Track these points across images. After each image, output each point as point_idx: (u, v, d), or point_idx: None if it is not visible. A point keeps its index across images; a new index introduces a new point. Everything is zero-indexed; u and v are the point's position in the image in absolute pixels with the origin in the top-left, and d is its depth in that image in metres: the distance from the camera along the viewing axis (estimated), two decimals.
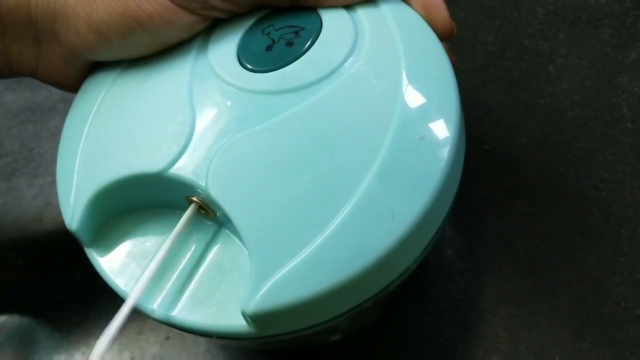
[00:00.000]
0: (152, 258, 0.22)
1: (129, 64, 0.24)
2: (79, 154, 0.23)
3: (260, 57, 0.23)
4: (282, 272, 0.19)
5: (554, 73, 0.36)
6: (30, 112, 0.40)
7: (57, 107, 0.40)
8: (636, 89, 0.35)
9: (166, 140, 0.22)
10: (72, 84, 0.26)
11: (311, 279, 0.19)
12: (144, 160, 0.22)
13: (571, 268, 0.30)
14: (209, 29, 0.24)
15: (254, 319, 0.19)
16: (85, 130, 0.23)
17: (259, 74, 0.22)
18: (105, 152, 0.22)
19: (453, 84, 0.22)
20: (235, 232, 0.21)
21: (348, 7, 0.24)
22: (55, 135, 0.38)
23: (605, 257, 0.30)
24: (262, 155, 0.21)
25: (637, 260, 0.30)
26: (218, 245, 0.23)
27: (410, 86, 0.21)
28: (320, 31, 0.23)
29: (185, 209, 0.22)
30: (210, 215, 0.22)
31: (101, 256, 0.23)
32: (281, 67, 0.22)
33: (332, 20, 0.23)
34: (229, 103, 0.22)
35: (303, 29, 0.23)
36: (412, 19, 0.24)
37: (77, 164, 0.23)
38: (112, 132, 0.23)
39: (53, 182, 0.28)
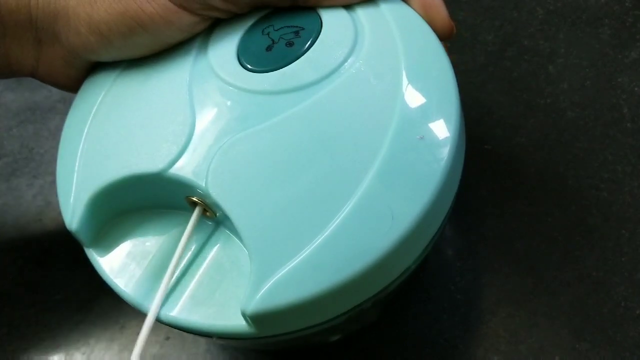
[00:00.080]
0: (164, 266, 0.22)
1: (129, 64, 0.24)
2: (79, 154, 0.23)
3: (260, 57, 0.23)
4: (282, 272, 0.19)
5: (554, 73, 0.36)
6: (30, 112, 0.40)
7: (57, 107, 0.40)
8: (636, 89, 0.35)
9: (166, 140, 0.22)
10: (73, 84, 0.26)
11: (311, 279, 0.19)
12: (144, 160, 0.22)
13: (571, 268, 0.30)
14: (209, 29, 0.24)
15: (254, 319, 0.19)
16: (85, 130, 0.23)
17: (259, 74, 0.22)
18: (105, 152, 0.22)
19: (453, 84, 0.22)
20: (235, 232, 0.21)
21: (348, 7, 0.24)
22: (55, 135, 0.38)
23: (605, 257, 0.30)
24: (262, 156, 0.21)
25: (637, 260, 0.30)
26: (218, 245, 0.23)
27: (410, 86, 0.21)
28: (320, 31, 0.23)
29: (185, 209, 0.22)
30: (210, 216, 0.22)
31: (101, 256, 0.23)
32: (281, 67, 0.22)
33: (332, 20, 0.23)
34: (229, 103, 0.22)
35: (303, 29, 0.23)
36: (412, 18, 0.24)
37: (77, 164, 0.23)
38: (112, 132, 0.23)
39: (53, 182, 0.28)
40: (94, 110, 0.24)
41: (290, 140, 0.21)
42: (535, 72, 0.37)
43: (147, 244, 0.23)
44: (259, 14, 0.24)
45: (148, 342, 0.30)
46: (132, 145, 0.22)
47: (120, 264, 0.22)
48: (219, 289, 0.21)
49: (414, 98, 0.21)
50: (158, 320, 0.21)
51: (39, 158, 0.38)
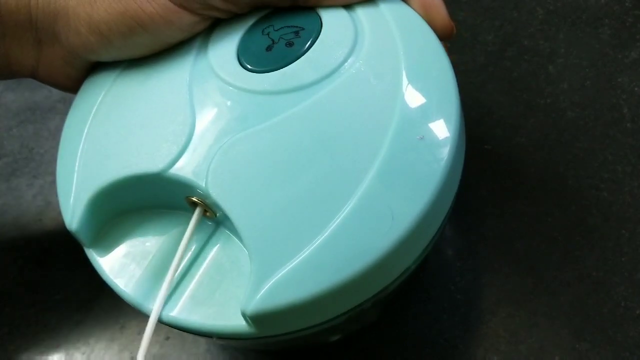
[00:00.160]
0: (164, 266, 0.22)
1: (129, 64, 0.24)
2: (79, 154, 0.23)
3: (260, 57, 0.23)
4: (282, 272, 0.19)
5: (554, 73, 0.36)
6: (30, 112, 0.40)
7: (57, 107, 0.40)
8: (636, 89, 0.35)
9: (166, 140, 0.22)
10: (73, 85, 0.26)
11: (311, 279, 0.19)
12: (144, 160, 0.22)
13: (571, 268, 0.30)
14: (209, 29, 0.24)
15: (254, 319, 0.19)
16: (85, 130, 0.23)
17: (259, 74, 0.22)
18: (105, 152, 0.22)
19: (453, 84, 0.22)
20: (235, 232, 0.21)
21: (348, 7, 0.24)
22: (55, 135, 0.38)
23: (605, 257, 0.30)
24: (262, 156, 0.21)
25: (637, 260, 0.30)
26: (218, 245, 0.23)
27: (410, 86, 0.21)
28: (320, 31, 0.23)
29: (185, 209, 0.22)
30: (210, 216, 0.22)
31: (101, 256, 0.23)
32: (281, 67, 0.22)
33: (332, 20, 0.23)
34: (229, 103, 0.22)
35: (303, 29, 0.23)
36: (412, 18, 0.24)
37: (77, 164, 0.23)
38: (112, 132, 0.23)
39: (53, 182, 0.28)
40: (94, 110, 0.24)
41: (290, 140, 0.21)
42: (535, 72, 0.37)
43: (147, 244, 0.23)
44: (259, 14, 0.24)
45: (149, 342, 0.30)
46: (132, 145, 0.22)
47: (120, 264, 0.22)
48: (219, 289, 0.21)
49: (414, 98, 0.21)
50: (158, 321, 0.21)
51: (39, 158, 0.38)
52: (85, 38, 0.23)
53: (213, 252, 0.22)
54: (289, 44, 0.23)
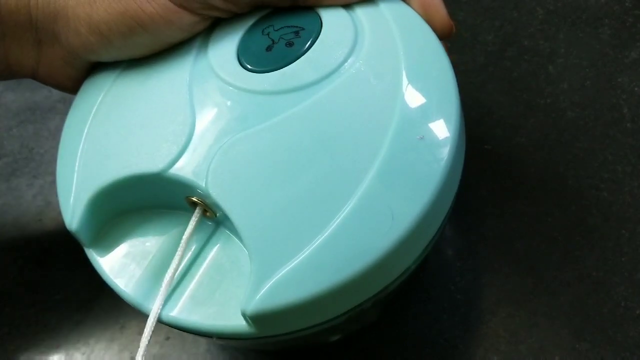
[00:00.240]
0: (164, 266, 0.22)
1: (129, 64, 0.24)
2: (79, 154, 0.23)
3: (260, 57, 0.23)
4: (282, 272, 0.19)
5: (554, 73, 0.36)
6: (30, 112, 0.40)
7: (57, 107, 0.40)
8: (636, 89, 0.35)
9: (166, 141, 0.22)
10: (73, 85, 0.26)
11: (311, 279, 0.19)
12: (144, 160, 0.22)
13: (571, 268, 0.30)
14: (209, 29, 0.24)
15: (254, 319, 0.19)
16: (85, 130, 0.23)
17: (259, 74, 0.22)
18: (105, 152, 0.22)
19: (453, 84, 0.22)
20: (235, 232, 0.21)
21: (347, 6, 0.24)
22: (55, 135, 0.38)
23: (605, 257, 0.30)
24: (262, 156, 0.21)
25: (637, 260, 0.30)
26: (218, 245, 0.23)
27: (410, 86, 0.21)
28: (320, 31, 0.23)
29: (185, 209, 0.22)
30: (210, 216, 0.22)
31: (101, 256, 0.23)
32: (281, 67, 0.22)
33: (332, 20, 0.23)
34: (229, 103, 0.22)
35: (303, 29, 0.23)
36: (412, 18, 0.24)
37: (77, 164, 0.23)
38: (112, 132, 0.23)
39: (53, 182, 0.28)
40: (94, 110, 0.24)
41: (290, 140, 0.21)
42: (535, 72, 0.37)
43: (147, 244, 0.23)
44: (259, 14, 0.24)
45: (148, 342, 0.30)
46: (132, 145, 0.22)
47: (120, 264, 0.22)
48: (219, 289, 0.21)
49: (414, 98, 0.21)
50: (158, 321, 0.21)
51: (39, 158, 0.38)
52: (85, 38, 0.23)
53: (213, 252, 0.22)
54: (289, 44, 0.23)
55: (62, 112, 0.39)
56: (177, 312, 0.21)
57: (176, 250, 0.22)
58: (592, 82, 0.36)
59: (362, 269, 0.19)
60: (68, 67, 0.25)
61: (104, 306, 0.31)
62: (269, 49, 0.23)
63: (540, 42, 0.38)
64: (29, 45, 0.24)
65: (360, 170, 0.20)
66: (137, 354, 0.20)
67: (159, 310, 0.21)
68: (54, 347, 0.30)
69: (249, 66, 0.23)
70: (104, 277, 0.22)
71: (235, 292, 0.21)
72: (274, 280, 0.19)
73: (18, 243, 0.34)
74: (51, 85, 0.27)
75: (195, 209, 0.22)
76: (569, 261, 0.30)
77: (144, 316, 0.21)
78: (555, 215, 0.31)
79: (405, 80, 0.22)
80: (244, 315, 0.19)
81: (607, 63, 0.36)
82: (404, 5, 0.24)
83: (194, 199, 0.21)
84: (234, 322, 0.20)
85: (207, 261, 0.22)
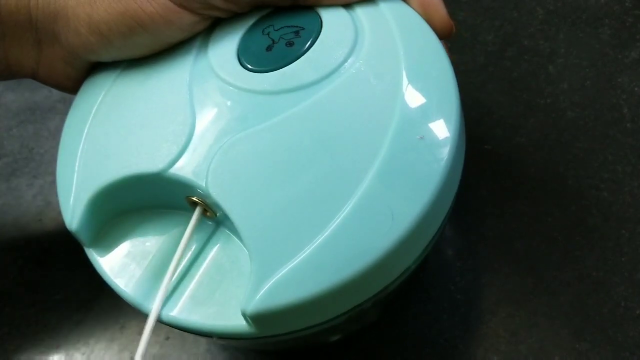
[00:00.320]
0: (164, 266, 0.22)
1: (129, 64, 0.24)
2: (79, 154, 0.23)
3: (260, 57, 0.23)
4: (282, 272, 0.19)
5: (554, 73, 0.36)
6: (30, 112, 0.40)
7: (57, 107, 0.40)
8: (636, 89, 0.35)
9: (166, 140, 0.22)
10: (73, 85, 0.26)
11: (311, 279, 0.19)
12: (144, 160, 0.22)
13: (571, 268, 0.30)
14: (209, 29, 0.24)
15: (254, 319, 0.19)
16: (85, 130, 0.23)
17: (259, 74, 0.22)
18: (105, 152, 0.22)
19: (453, 84, 0.22)
20: (235, 232, 0.21)
21: (347, 6, 0.24)
22: (55, 135, 0.38)
23: (605, 257, 0.30)
24: (262, 155, 0.21)
25: (637, 260, 0.30)
26: (218, 245, 0.23)
27: (410, 86, 0.21)
28: (320, 31, 0.23)
29: (185, 209, 0.22)
30: (210, 216, 0.22)
31: (101, 256, 0.23)
32: (281, 67, 0.22)
33: (332, 20, 0.23)
34: (229, 103, 0.22)
35: (303, 28, 0.23)
36: (412, 18, 0.24)
37: (77, 164, 0.23)
38: (112, 132, 0.23)
39: (53, 182, 0.28)
40: (94, 110, 0.24)
41: (290, 140, 0.21)
42: (535, 72, 0.37)
43: (147, 244, 0.23)
44: (259, 14, 0.24)
45: (148, 342, 0.30)
46: (132, 145, 0.22)
47: (120, 264, 0.22)
48: (219, 289, 0.21)
49: (414, 98, 0.21)
50: (158, 321, 0.21)
51: (39, 158, 0.38)
52: (85, 38, 0.23)
53: (213, 252, 0.22)
54: (289, 44, 0.23)
55: (62, 112, 0.39)
56: (177, 312, 0.21)
57: (176, 250, 0.22)
58: (592, 82, 0.36)
59: (362, 269, 0.19)
60: (68, 67, 0.25)
61: (104, 306, 0.31)
62: (269, 48, 0.23)
63: (540, 42, 0.38)
64: (29, 45, 0.24)
65: (360, 170, 0.20)
66: (136, 354, 0.20)
67: (159, 310, 0.21)
68: (54, 347, 0.30)
69: (249, 66, 0.23)
70: (104, 277, 0.22)
71: (235, 292, 0.21)
72: (274, 280, 0.19)
73: (18, 243, 0.34)
74: (51, 85, 0.27)
75: (195, 208, 0.22)
76: (569, 261, 0.30)
77: (144, 316, 0.21)
78: (555, 215, 0.31)
79: (405, 80, 0.22)
80: (244, 315, 0.19)
81: (607, 63, 0.36)
82: (404, 5, 0.24)
83: (194, 198, 0.21)
84: (234, 322, 0.20)
85: (207, 261, 0.22)
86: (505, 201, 0.32)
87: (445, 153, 0.21)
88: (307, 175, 0.20)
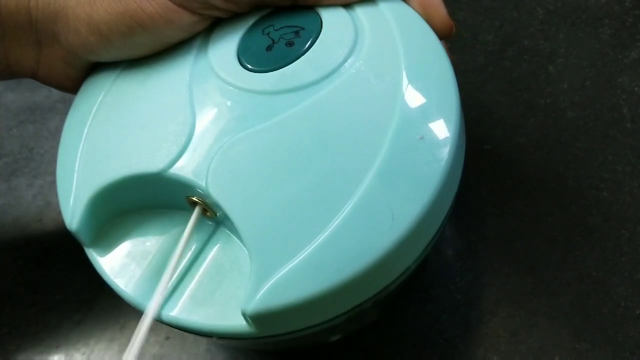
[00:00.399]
0: (164, 266, 0.22)
1: (129, 64, 0.24)
2: (79, 154, 0.23)
3: (260, 57, 0.23)
4: (282, 272, 0.19)
5: (554, 73, 0.36)
6: (30, 112, 0.40)
7: (57, 107, 0.40)
8: (636, 89, 0.35)
9: (166, 140, 0.22)
10: (73, 85, 0.26)
11: (311, 279, 0.19)
12: (144, 160, 0.22)
13: (571, 268, 0.30)
14: (209, 29, 0.24)
15: (254, 319, 0.19)
16: (85, 130, 0.23)
17: (259, 74, 0.22)
18: (105, 152, 0.22)
19: (453, 84, 0.22)
20: (235, 232, 0.21)
21: (347, 6, 0.24)
22: (55, 135, 0.38)
23: (605, 257, 0.30)
24: (262, 155, 0.21)
25: (637, 260, 0.30)
26: (218, 245, 0.23)
27: (410, 86, 0.21)
28: (320, 31, 0.23)
29: (185, 209, 0.22)
30: (210, 215, 0.22)
31: (101, 256, 0.23)
32: (281, 67, 0.22)
33: (332, 20, 0.23)
34: (229, 103, 0.22)
35: (303, 28, 0.23)
36: (412, 18, 0.24)
37: (77, 164, 0.23)
38: (112, 132, 0.23)
39: (53, 182, 0.28)
40: (94, 110, 0.24)
41: (290, 140, 0.21)
42: (535, 72, 0.37)
43: (147, 244, 0.23)
44: (259, 14, 0.24)
45: (148, 342, 0.30)
46: (132, 145, 0.22)
47: (120, 264, 0.22)
48: (219, 289, 0.21)
49: (414, 98, 0.21)
50: (158, 320, 0.21)
51: (39, 158, 0.38)
52: (85, 38, 0.23)
53: (213, 252, 0.22)
54: (289, 44, 0.23)
55: (62, 112, 0.39)
56: (177, 312, 0.21)
57: (176, 250, 0.22)
58: (592, 82, 0.36)
59: (362, 269, 0.19)
60: (68, 67, 0.25)
61: (104, 306, 0.31)
62: (269, 48, 0.23)
63: (540, 42, 0.38)
64: (28, 45, 0.24)
65: (360, 170, 0.20)
66: (130, 354, 0.20)
67: (156, 309, 0.21)
68: (54, 347, 0.30)
69: (249, 66, 0.23)
70: (104, 277, 0.22)
71: (235, 292, 0.21)
72: (274, 280, 0.19)
73: (18, 243, 0.34)
74: (51, 85, 0.27)
75: (195, 208, 0.22)
76: (569, 261, 0.30)
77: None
78: (555, 215, 0.31)
79: (405, 80, 0.22)
80: (244, 315, 0.19)
81: (607, 63, 0.36)
82: (404, 5, 0.24)
83: (194, 198, 0.21)
84: (234, 322, 0.20)
85: (207, 261, 0.22)
86: (505, 201, 0.32)
87: (445, 153, 0.21)
88: (307, 175, 0.20)
